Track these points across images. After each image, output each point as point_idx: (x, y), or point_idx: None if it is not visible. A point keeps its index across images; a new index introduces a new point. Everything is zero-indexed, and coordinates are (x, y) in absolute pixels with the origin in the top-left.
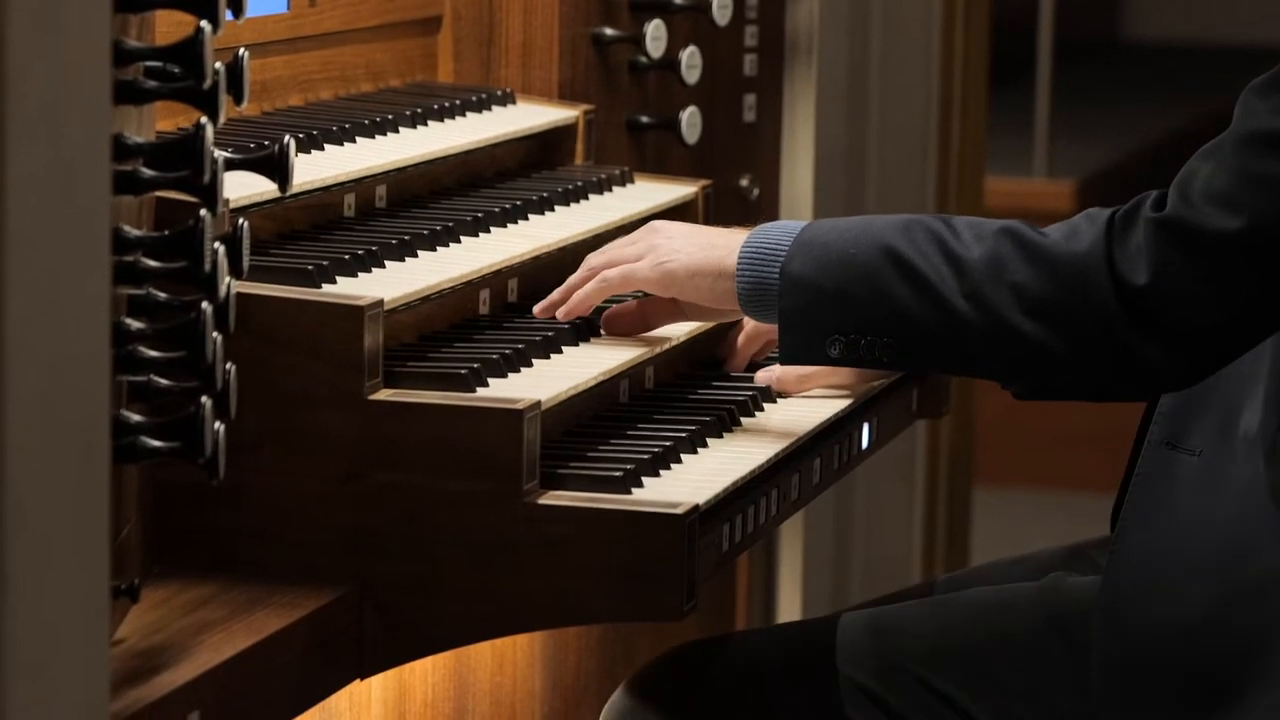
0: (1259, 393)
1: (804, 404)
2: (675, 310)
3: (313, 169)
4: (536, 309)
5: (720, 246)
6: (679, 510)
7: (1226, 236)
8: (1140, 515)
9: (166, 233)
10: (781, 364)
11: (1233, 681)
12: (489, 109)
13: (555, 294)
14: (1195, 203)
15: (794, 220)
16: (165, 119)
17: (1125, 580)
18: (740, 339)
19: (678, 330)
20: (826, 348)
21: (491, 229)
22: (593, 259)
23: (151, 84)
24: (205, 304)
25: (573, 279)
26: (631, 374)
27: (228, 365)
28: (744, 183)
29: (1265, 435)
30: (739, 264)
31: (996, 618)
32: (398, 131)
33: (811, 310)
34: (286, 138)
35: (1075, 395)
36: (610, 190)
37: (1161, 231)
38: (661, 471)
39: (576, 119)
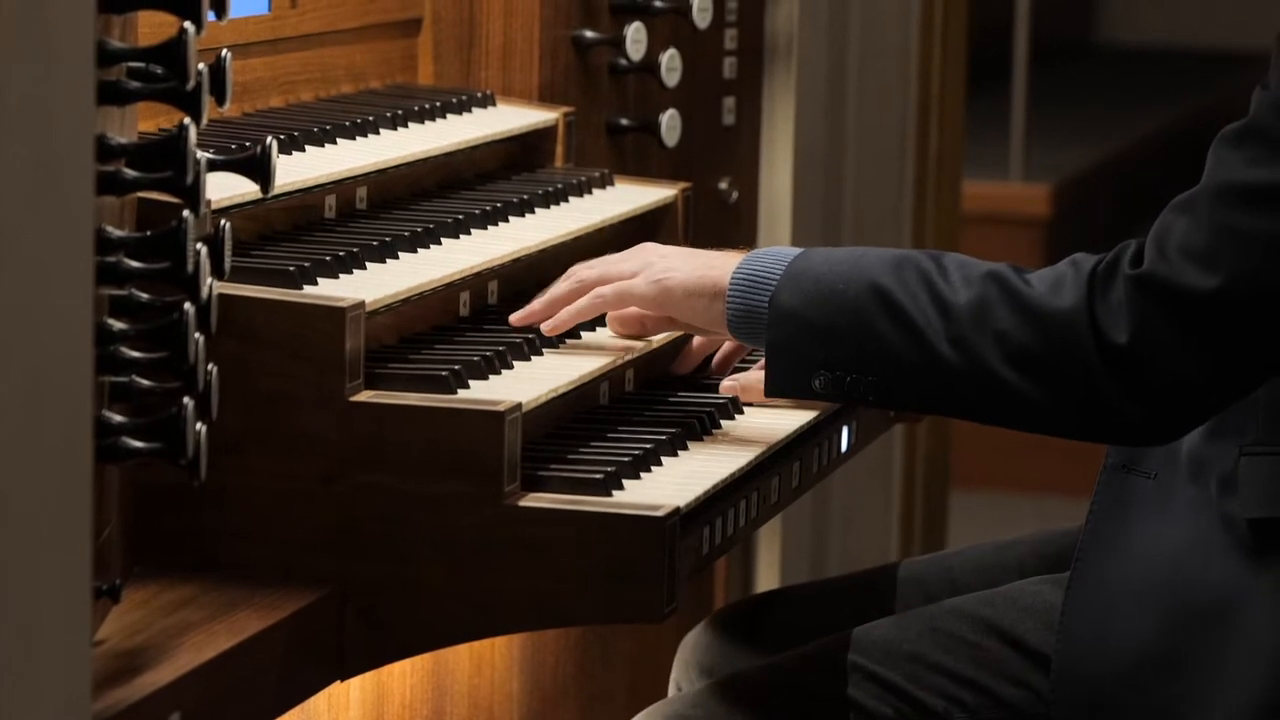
0: None
1: (784, 407)
2: (669, 319)
3: (294, 170)
4: (515, 319)
5: (716, 268)
6: (660, 513)
7: (1204, 294)
8: (1097, 547)
9: (149, 233)
10: (767, 395)
11: (1178, 710)
12: (469, 111)
13: (538, 306)
14: (1172, 259)
15: (788, 247)
16: (146, 119)
17: (1082, 623)
18: (694, 342)
19: (657, 333)
20: (811, 381)
21: (472, 231)
22: (583, 273)
23: (134, 85)
24: (187, 305)
25: (558, 291)
26: (611, 377)
27: (209, 366)
28: (723, 185)
29: (1218, 461)
30: (730, 290)
31: (941, 621)
32: (378, 133)
33: (798, 343)
34: (268, 139)
35: (1054, 436)
36: (590, 192)
37: (1140, 289)
38: (642, 474)
39: (556, 121)
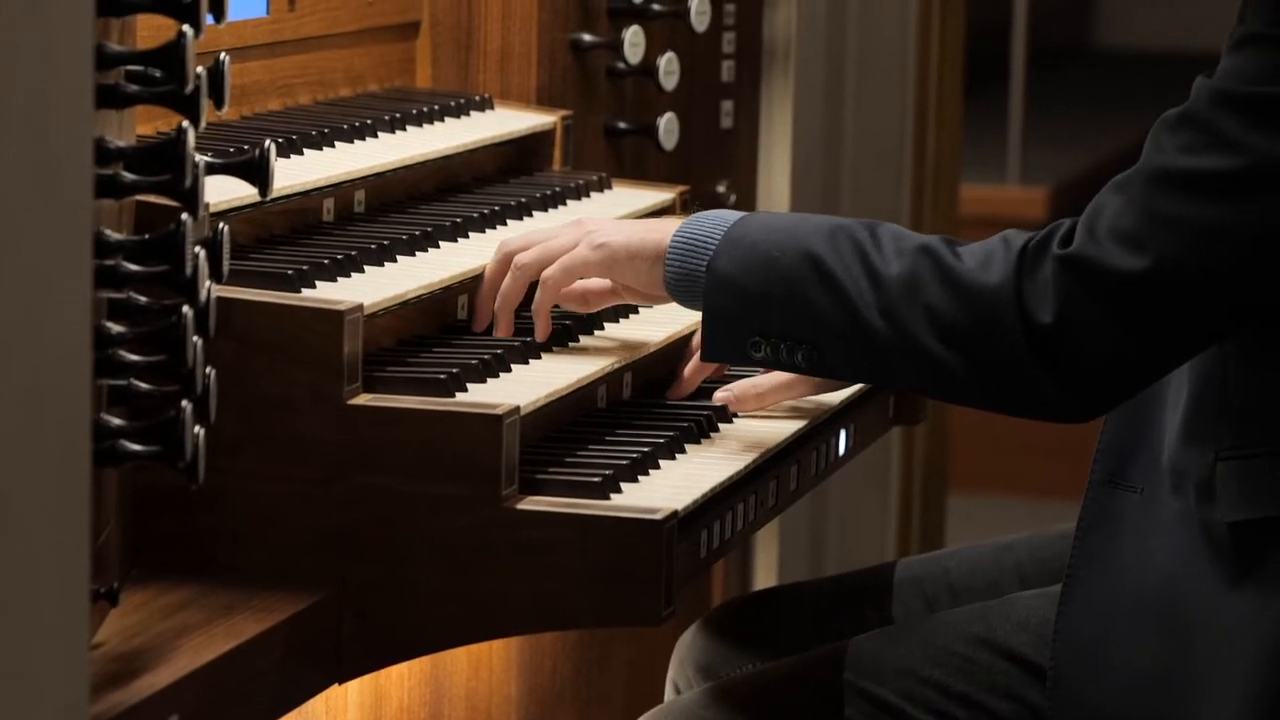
0: (1178, 420)
1: (779, 415)
2: (612, 292)
3: (292, 174)
4: (488, 326)
5: (657, 231)
6: (657, 516)
7: (1130, 276)
8: (1088, 564)
9: (147, 237)
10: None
11: None
12: (467, 114)
13: (499, 310)
14: (1101, 240)
15: (730, 210)
16: (144, 123)
17: (1076, 640)
18: (688, 369)
19: (656, 336)
20: (749, 349)
21: (470, 234)
22: (520, 257)
23: (133, 88)
24: (186, 308)
25: (506, 285)
26: (609, 380)
27: (208, 369)
28: (721, 189)
29: (1195, 469)
30: (669, 252)
31: (934, 635)
32: (376, 136)
33: (734, 310)
34: (267, 142)
35: (979, 409)
36: (588, 196)
37: (1067, 270)
38: (640, 477)
39: (554, 125)
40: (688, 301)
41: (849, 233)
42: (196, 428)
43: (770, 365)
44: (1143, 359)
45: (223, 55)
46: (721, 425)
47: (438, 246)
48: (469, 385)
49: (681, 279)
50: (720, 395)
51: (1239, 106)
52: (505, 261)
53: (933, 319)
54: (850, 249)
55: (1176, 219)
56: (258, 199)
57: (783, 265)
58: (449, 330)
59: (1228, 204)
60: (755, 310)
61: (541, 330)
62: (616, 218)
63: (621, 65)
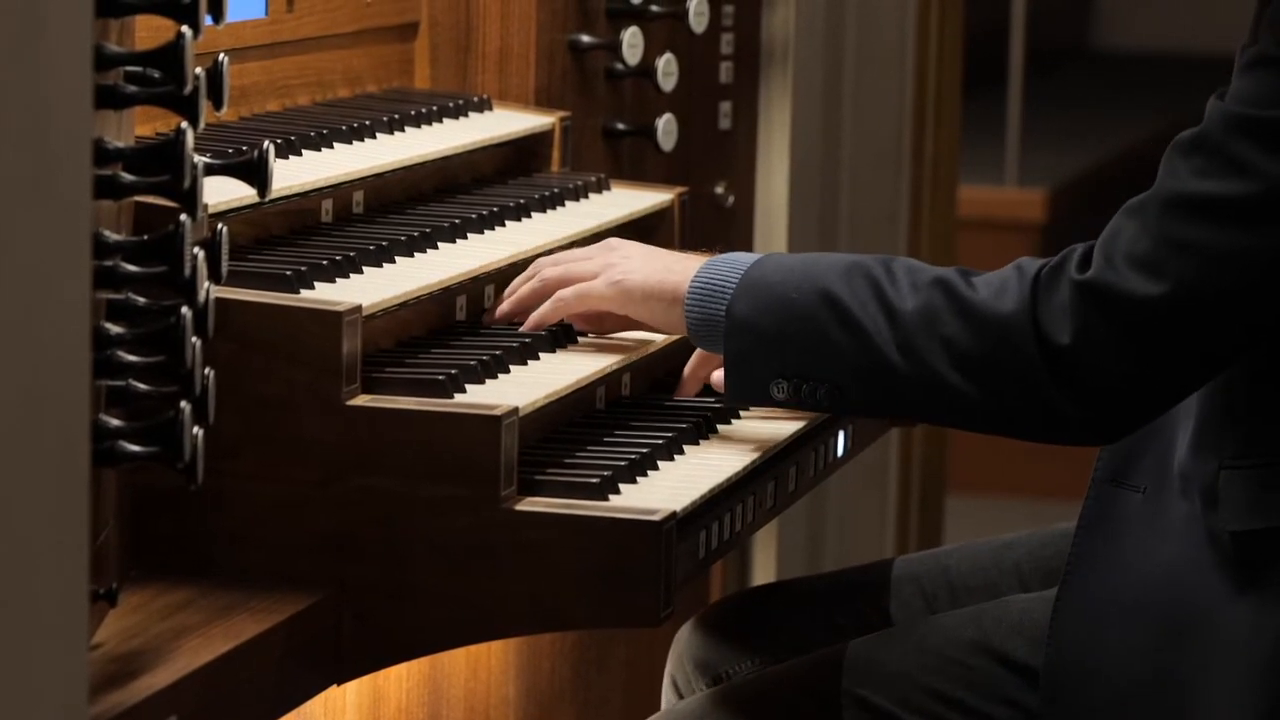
0: (1190, 427)
1: (779, 415)
2: (631, 321)
3: (291, 174)
4: (488, 317)
5: (676, 272)
6: (656, 517)
7: (1148, 302)
8: (1086, 563)
9: (146, 238)
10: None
11: None
12: (466, 115)
13: (506, 308)
14: (1118, 265)
15: (745, 253)
16: (143, 124)
17: (1071, 640)
18: (688, 366)
19: (656, 336)
20: (771, 390)
21: (469, 235)
22: (547, 271)
23: (132, 89)
24: (184, 309)
25: (524, 291)
26: (608, 381)
27: (206, 370)
28: (719, 190)
29: (1200, 476)
30: (688, 298)
31: (931, 640)
32: (375, 138)
33: (755, 353)
34: (266, 143)
35: (1003, 436)
36: (587, 197)
37: (1085, 294)
38: (638, 478)
39: (553, 125)
40: (710, 346)
41: (864, 269)
42: (195, 429)
43: (793, 406)
44: (1161, 380)
45: (221, 56)
46: (720, 426)
47: (436, 248)
48: (468, 386)
49: (701, 324)
50: (716, 378)
51: (1252, 131)
52: (533, 274)
53: (951, 351)
54: (866, 286)
55: (1192, 244)
56: (256, 200)
57: (800, 306)
58: (448, 331)
59: (1241, 229)
60: (775, 352)
61: (528, 328)
62: (616, 217)
63: (620, 66)
